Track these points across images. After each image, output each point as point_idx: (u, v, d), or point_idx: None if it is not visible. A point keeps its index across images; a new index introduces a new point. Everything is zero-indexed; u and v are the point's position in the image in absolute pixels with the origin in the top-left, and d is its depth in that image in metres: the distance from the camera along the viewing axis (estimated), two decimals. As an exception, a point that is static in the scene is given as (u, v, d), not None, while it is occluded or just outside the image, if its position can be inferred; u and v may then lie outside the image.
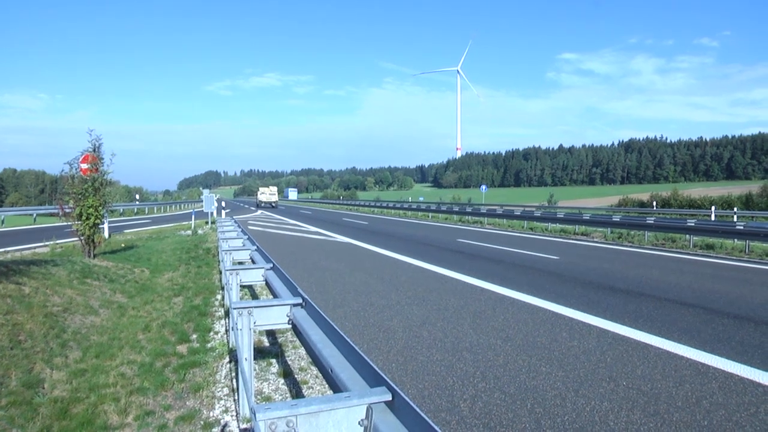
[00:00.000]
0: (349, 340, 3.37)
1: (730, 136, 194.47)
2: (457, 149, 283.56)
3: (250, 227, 27.69)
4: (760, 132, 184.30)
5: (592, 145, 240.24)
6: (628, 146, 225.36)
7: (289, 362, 6.28)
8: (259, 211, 53.91)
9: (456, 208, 42.33)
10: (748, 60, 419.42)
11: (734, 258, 16.23)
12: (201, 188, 70.49)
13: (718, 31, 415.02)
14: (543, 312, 8.48)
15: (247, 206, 77.08)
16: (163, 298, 9.95)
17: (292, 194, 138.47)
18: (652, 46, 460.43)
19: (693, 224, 19.73)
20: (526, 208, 36.83)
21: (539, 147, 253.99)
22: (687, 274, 12.68)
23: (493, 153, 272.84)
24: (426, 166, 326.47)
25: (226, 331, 7.51)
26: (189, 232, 25.58)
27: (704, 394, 5.07)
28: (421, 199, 76.53)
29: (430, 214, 43.32)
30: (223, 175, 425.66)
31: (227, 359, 6.35)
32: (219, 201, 34.47)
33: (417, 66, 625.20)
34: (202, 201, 32.32)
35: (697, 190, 66.84)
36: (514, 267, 13.76)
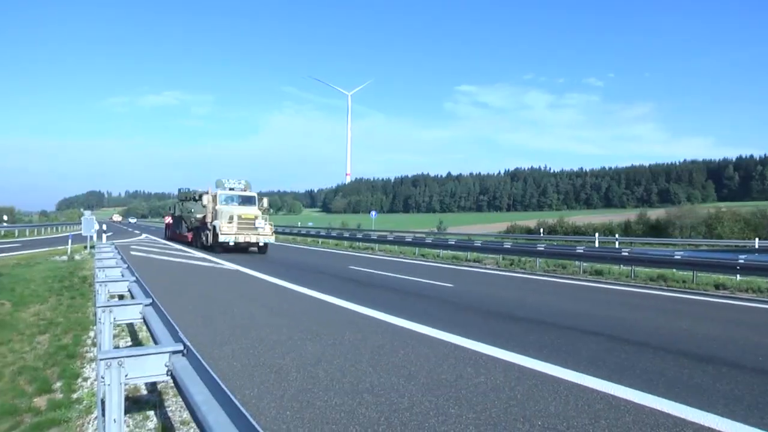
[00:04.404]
0: (237, 403, 2.71)
1: (607, 168, 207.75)
2: (346, 174, 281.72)
3: (132, 253, 25.87)
4: (632, 165, 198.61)
5: (480, 173, 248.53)
6: (514, 175, 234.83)
7: (170, 413, 5.38)
8: (144, 235, 51.12)
9: (347, 234, 41.91)
10: (629, 99, 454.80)
11: (622, 283, 16.74)
12: (82, 209, 65.90)
13: (604, 73, 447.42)
14: (444, 345, 8.02)
15: (131, 230, 73.07)
16: (25, 337, 8.65)
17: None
18: (544, 83, 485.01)
19: (582, 251, 20.31)
20: (417, 235, 36.79)
21: (428, 174, 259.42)
22: (582, 300, 12.79)
23: (383, 179, 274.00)
24: (315, 190, 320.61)
25: (97, 377, 6.50)
26: (65, 257, 23.60)
27: (620, 429, 4.76)
28: (311, 224, 75.07)
29: (320, 240, 42.60)
30: (107, 195, 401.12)
31: (94, 414, 5.36)
32: (100, 224, 32.22)
33: (318, 92, 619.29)
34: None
35: (580, 218, 70.13)
36: (409, 295, 13.37)
